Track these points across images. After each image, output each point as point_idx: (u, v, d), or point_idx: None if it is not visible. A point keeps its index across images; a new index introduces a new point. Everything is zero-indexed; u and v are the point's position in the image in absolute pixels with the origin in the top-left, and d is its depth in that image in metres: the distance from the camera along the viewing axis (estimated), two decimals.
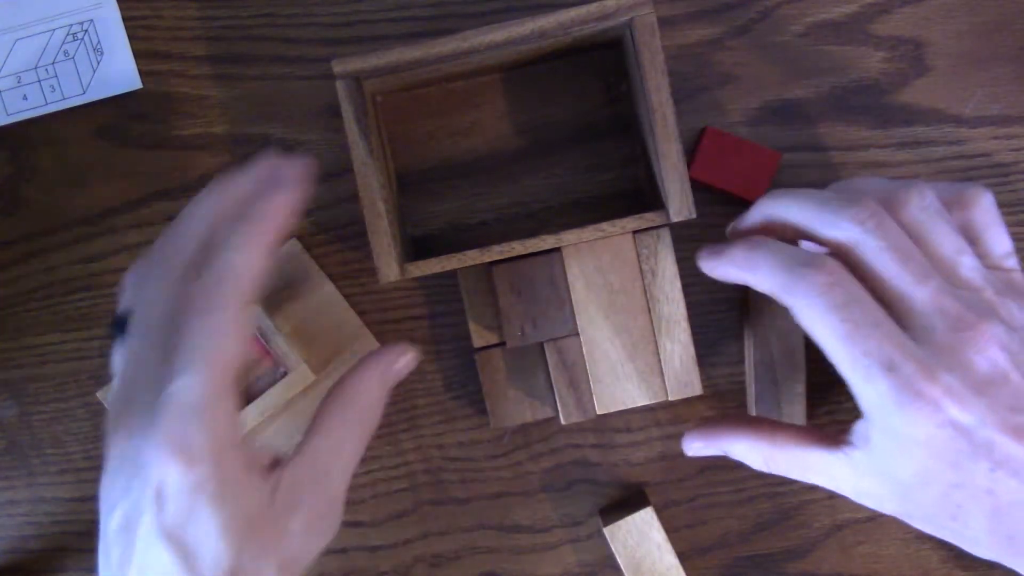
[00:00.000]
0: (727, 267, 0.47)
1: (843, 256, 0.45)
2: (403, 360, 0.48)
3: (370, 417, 0.46)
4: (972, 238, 0.46)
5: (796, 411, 0.54)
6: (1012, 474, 0.42)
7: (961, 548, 0.45)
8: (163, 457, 0.39)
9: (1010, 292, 0.45)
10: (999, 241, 0.47)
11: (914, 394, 0.41)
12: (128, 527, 0.40)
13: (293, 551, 0.42)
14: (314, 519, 0.43)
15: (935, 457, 0.42)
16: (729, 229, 0.50)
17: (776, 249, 0.45)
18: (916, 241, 0.45)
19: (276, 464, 0.43)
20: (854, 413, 0.50)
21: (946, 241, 0.45)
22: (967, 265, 0.45)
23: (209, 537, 0.40)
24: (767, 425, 0.49)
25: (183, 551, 0.40)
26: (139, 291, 0.43)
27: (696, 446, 0.52)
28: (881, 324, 0.43)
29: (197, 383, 0.39)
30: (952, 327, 0.42)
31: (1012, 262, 0.46)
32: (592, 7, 0.49)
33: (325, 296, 0.57)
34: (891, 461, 0.44)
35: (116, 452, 0.41)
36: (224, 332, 0.40)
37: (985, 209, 0.47)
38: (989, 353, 0.42)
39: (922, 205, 0.45)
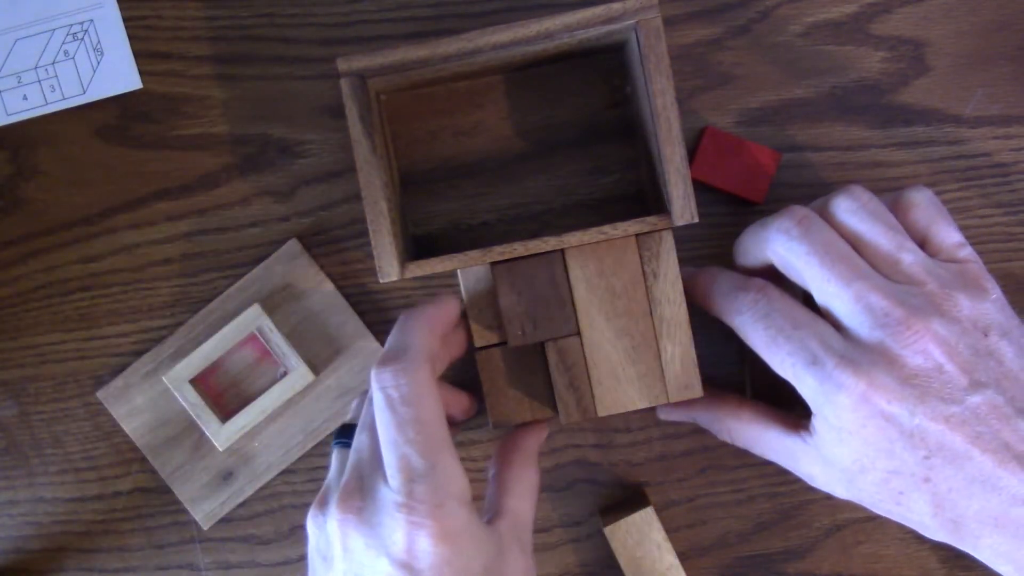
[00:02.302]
0: (702, 301, 0.51)
1: (783, 267, 0.48)
2: (543, 429, 0.54)
3: (536, 474, 0.51)
4: (921, 237, 0.48)
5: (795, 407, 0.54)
6: (947, 462, 0.44)
7: (916, 532, 0.47)
8: (409, 518, 0.43)
9: (958, 283, 0.46)
10: (946, 233, 0.48)
11: (837, 386, 0.44)
12: None
13: None
14: (527, 568, 0.47)
15: (868, 445, 0.45)
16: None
17: (720, 279, 0.50)
18: (854, 242, 0.47)
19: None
20: None
21: (883, 239, 0.47)
22: (907, 260, 0.46)
23: None
24: (733, 400, 0.53)
25: None
26: (362, 406, 0.50)
27: (667, 410, 0.56)
28: (805, 325, 0.46)
29: (416, 449, 0.43)
30: (880, 324, 0.44)
31: (965, 252, 0.48)
32: (598, 10, 0.49)
33: (325, 296, 0.57)
34: (832, 449, 0.46)
35: (352, 528, 0.44)
36: (424, 399, 0.45)
37: (925, 206, 0.48)
38: (920, 346, 0.44)
39: (853, 207, 0.48)
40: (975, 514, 0.44)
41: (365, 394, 0.50)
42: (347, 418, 0.52)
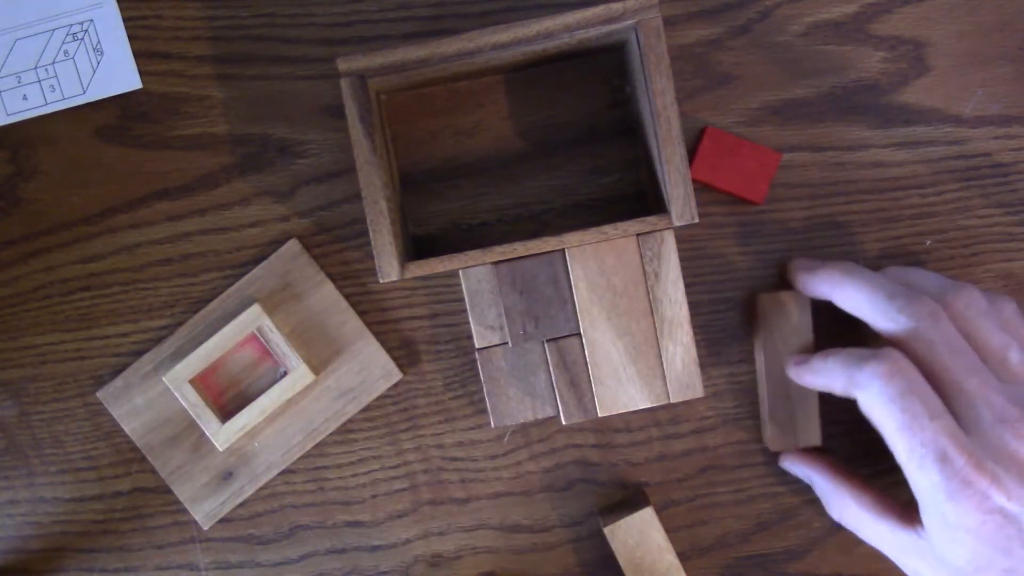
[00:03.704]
0: (806, 374, 0.52)
1: (899, 348, 0.48)
2: None
3: None
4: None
5: (811, 428, 0.54)
6: None
7: None
8: None
9: None
10: None
11: (963, 483, 0.44)
12: None
13: None
14: None
15: (986, 543, 0.45)
16: (794, 270, 0.54)
17: (845, 353, 0.49)
18: (966, 337, 0.48)
19: None
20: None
21: (993, 337, 0.48)
22: (1014, 359, 0.48)
23: None
24: (859, 481, 0.53)
25: None
26: None
27: (788, 463, 0.56)
28: (938, 416, 0.45)
29: None
30: (999, 418, 0.45)
31: None
32: (598, 9, 0.49)
33: (325, 296, 0.57)
34: (945, 547, 0.46)
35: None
36: None
37: (1014, 313, 0.51)
38: None
39: (971, 303, 0.49)
40: None
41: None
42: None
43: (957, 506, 0.44)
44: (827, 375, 0.50)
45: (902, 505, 0.51)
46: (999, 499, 0.44)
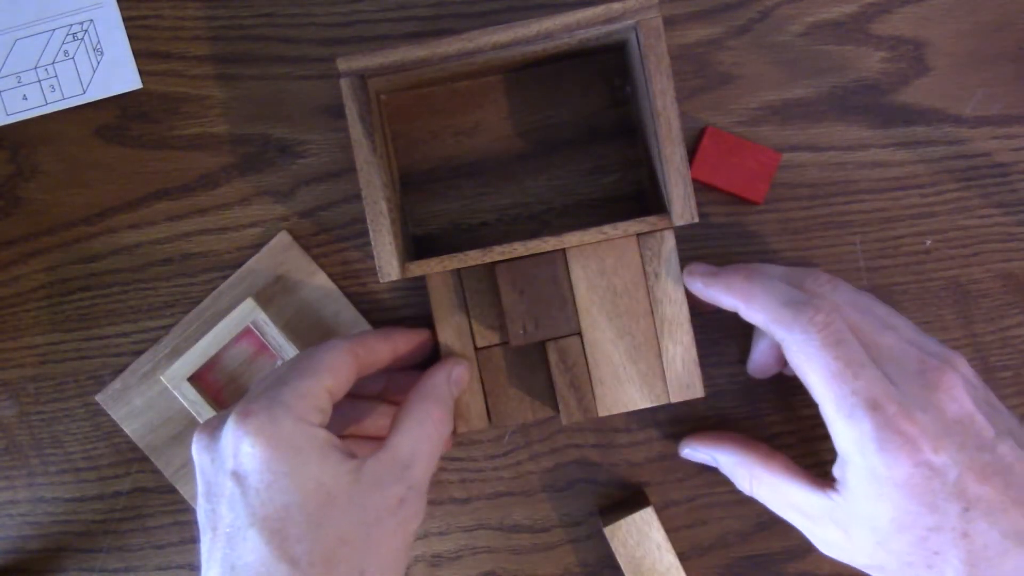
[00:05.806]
0: (719, 292, 0.49)
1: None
2: (461, 366, 0.52)
3: (443, 415, 0.49)
4: None
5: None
6: (983, 515, 0.43)
7: None
8: (237, 427, 0.44)
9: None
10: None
11: (894, 432, 0.43)
12: (209, 493, 0.45)
13: (377, 529, 0.45)
14: (395, 504, 0.45)
15: (912, 499, 0.44)
16: (691, 278, 0.52)
17: (773, 283, 0.48)
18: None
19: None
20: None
21: (879, 307, 0.49)
22: (905, 324, 0.48)
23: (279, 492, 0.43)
24: (763, 448, 0.52)
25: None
26: None
27: (688, 450, 0.55)
28: (867, 364, 0.45)
29: (286, 389, 0.45)
30: (920, 370, 0.45)
31: None
32: (598, 10, 0.49)
33: (318, 287, 0.57)
34: (868, 506, 0.45)
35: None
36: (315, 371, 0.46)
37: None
38: (956, 393, 0.44)
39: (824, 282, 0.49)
40: (1009, 574, 0.43)
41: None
42: None
43: (887, 457, 0.43)
44: (747, 302, 0.48)
45: (812, 474, 0.50)
46: (927, 451, 0.43)
